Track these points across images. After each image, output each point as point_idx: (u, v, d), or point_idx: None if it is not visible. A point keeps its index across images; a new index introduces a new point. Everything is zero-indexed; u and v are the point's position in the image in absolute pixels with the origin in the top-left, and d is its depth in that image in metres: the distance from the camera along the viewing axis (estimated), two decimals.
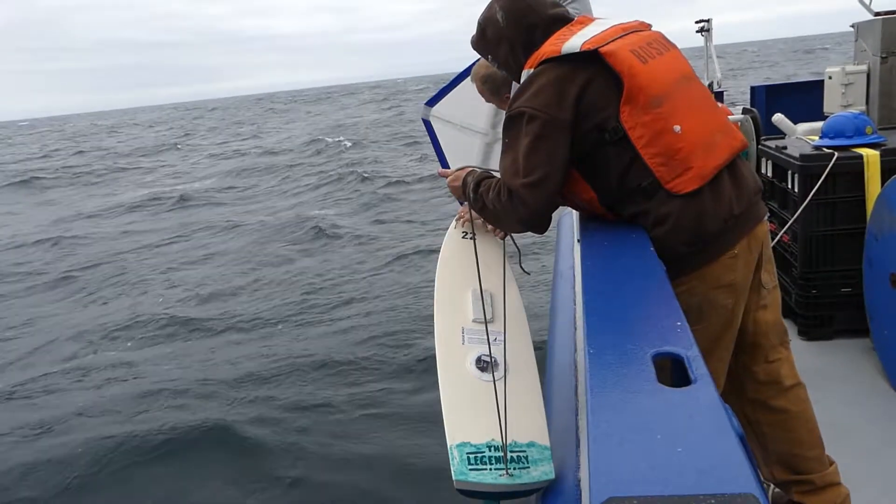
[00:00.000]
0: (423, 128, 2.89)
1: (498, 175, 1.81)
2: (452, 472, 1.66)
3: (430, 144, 2.81)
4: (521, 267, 2.49)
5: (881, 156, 3.08)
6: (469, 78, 2.52)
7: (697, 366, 1.02)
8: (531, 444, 1.74)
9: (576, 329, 2.71)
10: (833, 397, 2.71)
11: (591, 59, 1.65)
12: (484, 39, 1.92)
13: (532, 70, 1.74)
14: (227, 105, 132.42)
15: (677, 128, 1.65)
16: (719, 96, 5.59)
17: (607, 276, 1.48)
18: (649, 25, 1.89)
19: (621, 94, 1.64)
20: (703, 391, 0.95)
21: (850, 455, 2.13)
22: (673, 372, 1.06)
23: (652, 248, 1.60)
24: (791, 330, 3.31)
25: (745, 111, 4.65)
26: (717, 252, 1.70)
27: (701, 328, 1.71)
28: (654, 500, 0.71)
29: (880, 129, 3.48)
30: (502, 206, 1.73)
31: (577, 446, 1.88)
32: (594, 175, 1.73)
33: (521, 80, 1.78)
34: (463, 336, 2.08)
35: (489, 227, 2.11)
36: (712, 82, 5.41)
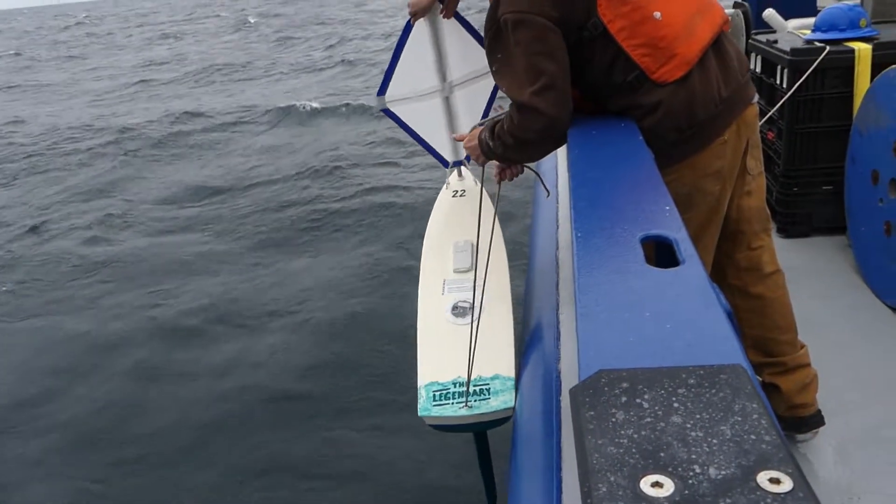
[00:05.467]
0: None
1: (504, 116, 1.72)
2: (418, 410, 1.81)
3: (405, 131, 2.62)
4: (545, 186, 2.49)
5: (873, 49, 3.01)
6: (407, 46, 2.39)
7: (686, 247, 1.01)
8: (495, 377, 1.83)
9: (557, 227, 2.71)
10: (807, 292, 2.77)
11: None
12: None
13: None
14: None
15: (657, 14, 1.58)
16: None
17: (595, 163, 1.45)
18: None
19: None
20: (692, 271, 0.94)
21: (820, 346, 2.19)
22: (660, 255, 1.06)
23: (640, 137, 1.56)
24: None
25: (736, 5, 4.50)
26: (707, 139, 1.67)
27: (688, 217, 1.70)
28: (643, 372, 0.71)
29: (874, 23, 3.39)
30: (519, 128, 1.63)
31: (558, 339, 1.92)
32: (577, 73, 1.65)
33: None
34: (444, 287, 2.17)
35: (494, 174, 2.02)
36: None
